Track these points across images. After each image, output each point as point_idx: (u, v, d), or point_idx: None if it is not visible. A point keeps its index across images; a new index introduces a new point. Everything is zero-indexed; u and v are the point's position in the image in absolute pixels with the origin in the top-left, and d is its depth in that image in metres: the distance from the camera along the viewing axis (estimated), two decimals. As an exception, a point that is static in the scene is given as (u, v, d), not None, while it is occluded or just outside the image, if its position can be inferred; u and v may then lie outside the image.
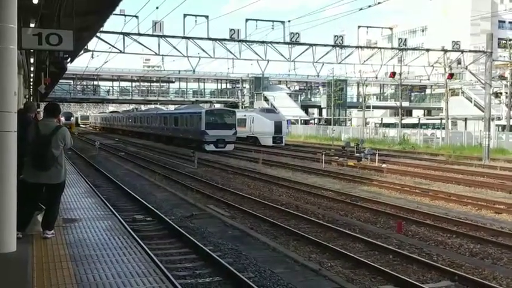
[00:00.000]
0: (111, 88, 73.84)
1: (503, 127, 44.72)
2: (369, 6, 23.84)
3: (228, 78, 74.90)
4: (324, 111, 75.13)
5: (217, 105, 65.43)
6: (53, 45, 10.22)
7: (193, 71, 34.22)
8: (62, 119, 66.91)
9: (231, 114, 38.46)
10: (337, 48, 31.47)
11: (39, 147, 6.84)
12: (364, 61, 32.95)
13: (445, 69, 38.33)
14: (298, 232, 11.16)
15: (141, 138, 52.70)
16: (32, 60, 20.89)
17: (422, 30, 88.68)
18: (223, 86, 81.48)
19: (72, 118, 79.03)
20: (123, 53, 27.07)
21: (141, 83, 76.20)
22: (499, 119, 50.35)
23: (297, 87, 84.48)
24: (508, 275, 8.65)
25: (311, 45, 30.82)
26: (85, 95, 72.01)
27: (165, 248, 9.59)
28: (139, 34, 26.77)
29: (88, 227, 8.05)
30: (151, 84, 78.39)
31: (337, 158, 29.42)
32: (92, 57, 27.95)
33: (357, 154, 30.03)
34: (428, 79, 48.76)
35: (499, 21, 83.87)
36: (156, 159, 29.62)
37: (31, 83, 30.32)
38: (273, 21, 29.84)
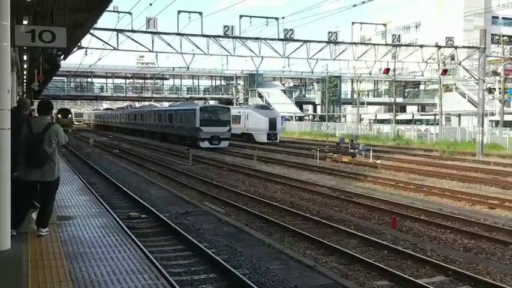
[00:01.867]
0: (105, 85, 73.56)
1: (497, 123, 44.86)
2: (363, 2, 23.86)
3: (222, 74, 74.76)
4: (319, 108, 75.23)
5: (212, 102, 65.37)
6: (46, 42, 10.16)
7: (188, 67, 34.19)
8: (59, 116, 63.96)
9: (226, 111, 38.45)
10: (331, 44, 31.51)
11: (32, 144, 6.83)
12: (358, 57, 32.99)
13: (438, 65, 38.41)
14: (293, 228, 11.19)
15: (135, 136, 52.61)
16: (25, 58, 20.82)
17: (416, 27, 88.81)
18: (218, 82, 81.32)
19: (70, 115, 73.58)
20: (117, 49, 27.01)
21: (135, 80, 75.97)
22: (492, 114, 50.51)
23: (291, 84, 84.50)
24: (501, 269, 8.71)
25: (305, 41, 30.84)
26: (79, 92, 71.68)
27: (160, 245, 9.59)
28: (133, 31, 26.69)
29: (82, 224, 8.04)
30: (146, 81, 78.16)
31: (331, 154, 29.47)
32: (86, 54, 27.86)
33: (352, 150, 30.11)
34: (422, 75, 48.85)
35: (493, 17, 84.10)
36: (150, 156, 29.58)
37: (24, 81, 30.18)
38: (267, 17, 29.82)
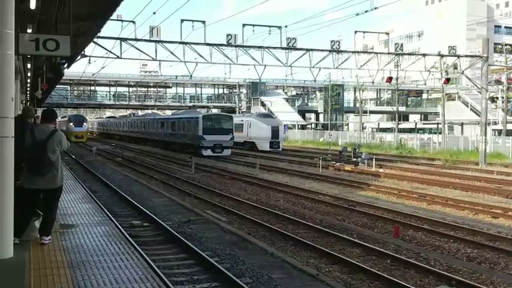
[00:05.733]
0: (108, 93, 73.66)
1: (500, 132, 44.79)
2: (366, 11, 23.99)
3: (225, 83, 74.88)
4: (321, 116, 75.27)
5: (214, 110, 65.48)
6: (50, 51, 10.20)
7: (191, 76, 34.21)
8: (71, 124, 57.09)
9: (228, 119, 38.50)
10: (334, 53, 31.51)
11: (35, 152, 6.84)
12: (361, 66, 32.98)
13: (441, 74, 38.38)
14: (295, 237, 11.16)
15: (138, 144, 52.65)
16: (29, 66, 20.86)
17: (419, 35, 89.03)
18: (220, 91, 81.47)
19: (84, 124, 59.98)
20: (120, 58, 27.03)
21: (138, 88, 76.11)
22: (495, 123, 50.46)
23: (294, 92, 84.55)
24: (505, 279, 8.66)
25: (308, 50, 30.87)
26: (82, 100, 71.67)
27: (163, 254, 9.57)
28: (136, 39, 26.75)
29: (85, 232, 8.03)
30: (148, 89, 78.30)
31: (334, 162, 29.45)
32: (89, 62, 27.87)
33: (354, 159, 30.07)
34: (425, 84, 48.73)
35: (495, 26, 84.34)
36: (153, 164, 29.59)
37: (28, 89, 30.27)
38: (269, 26, 29.86)
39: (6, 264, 5.92)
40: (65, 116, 71.24)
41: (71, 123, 57.49)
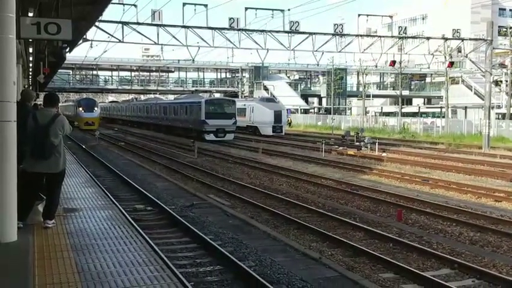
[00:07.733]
0: (110, 78, 73.47)
1: (503, 115, 44.68)
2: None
3: (227, 67, 74.69)
4: (324, 101, 75.06)
5: (217, 95, 65.34)
6: (51, 35, 10.16)
7: (193, 60, 34.17)
8: (80, 109, 50.19)
9: (231, 103, 38.43)
10: (337, 36, 31.34)
11: (38, 136, 6.84)
12: (364, 50, 32.81)
13: (445, 57, 38.23)
14: (298, 221, 11.19)
15: (140, 128, 52.66)
16: (30, 50, 20.80)
17: (423, 19, 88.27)
18: (223, 75, 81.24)
19: (96, 109, 50.92)
20: (122, 42, 26.93)
21: (141, 73, 75.97)
22: (499, 107, 50.28)
23: (296, 77, 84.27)
24: (508, 262, 8.68)
25: (311, 33, 30.68)
26: (84, 85, 71.46)
27: (166, 238, 9.61)
28: (138, 23, 26.62)
29: (88, 216, 8.05)
30: (151, 73, 78.14)
31: (337, 147, 29.43)
32: (91, 46, 27.82)
33: (357, 143, 30.04)
34: (429, 67, 48.62)
35: (500, 9, 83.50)
36: (156, 149, 29.63)
37: (30, 73, 30.24)
38: (272, 9, 29.71)
39: (11, 248, 5.95)
40: (70, 100, 70.66)
41: (80, 108, 49.75)
